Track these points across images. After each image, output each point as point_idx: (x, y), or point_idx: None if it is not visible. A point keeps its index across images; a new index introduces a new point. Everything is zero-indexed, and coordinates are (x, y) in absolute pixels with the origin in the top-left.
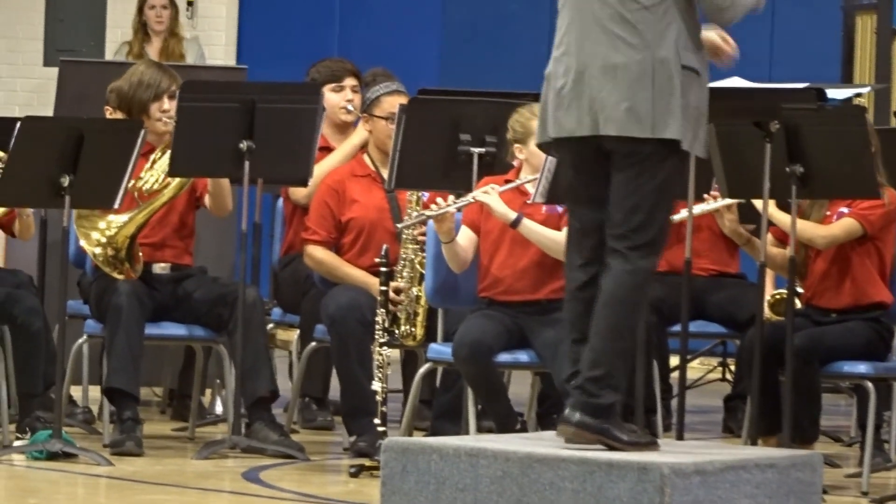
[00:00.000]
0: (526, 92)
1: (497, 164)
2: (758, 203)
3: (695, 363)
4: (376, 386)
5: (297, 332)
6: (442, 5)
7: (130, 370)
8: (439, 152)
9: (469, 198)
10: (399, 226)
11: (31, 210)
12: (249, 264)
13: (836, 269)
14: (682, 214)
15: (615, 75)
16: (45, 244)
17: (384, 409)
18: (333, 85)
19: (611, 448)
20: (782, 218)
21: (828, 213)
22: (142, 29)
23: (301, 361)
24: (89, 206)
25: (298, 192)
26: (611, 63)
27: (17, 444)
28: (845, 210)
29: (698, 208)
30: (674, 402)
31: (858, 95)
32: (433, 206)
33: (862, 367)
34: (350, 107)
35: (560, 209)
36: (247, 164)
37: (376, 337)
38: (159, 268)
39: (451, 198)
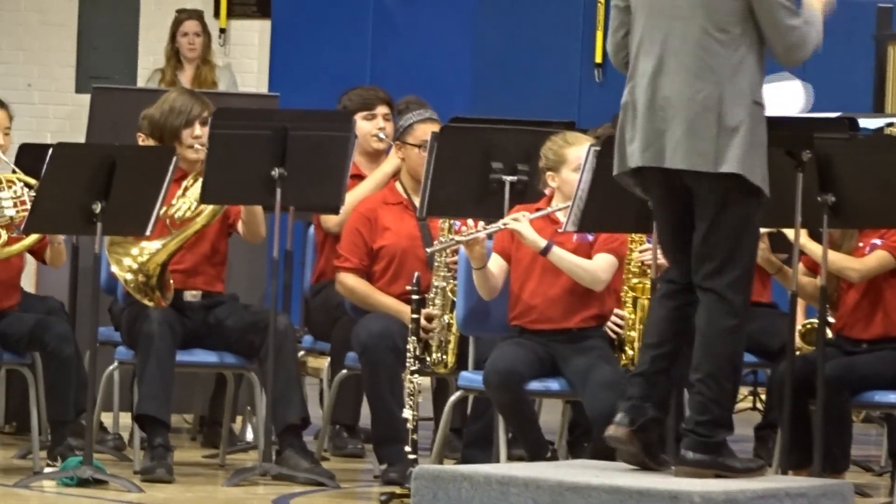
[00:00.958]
0: (558, 120)
1: (529, 193)
2: (789, 232)
3: None
4: (407, 414)
5: (328, 359)
6: (474, 33)
7: (161, 397)
8: (471, 180)
9: (499, 224)
10: (429, 250)
11: (63, 237)
12: (281, 292)
13: (867, 300)
14: None
15: (686, 107)
16: (77, 271)
17: (415, 436)
18: (365, 113)
19: (727, 477)
20: (814, 248)
21: (860, 244)
22: (174, 56)
23: (332, 389)
24: (121, 232)
25: (330, 220)
26: (680, 95)
27: (47, 470)
28: (878, 242)
29: None
30: None
31: (891, 125)
32: (463, 231)
33: (893, 397)
34: (381, 135)
35: (591, 238)
36: (278, 191)
37: (407, 365)
38: (191, 295)
39: (481, 223)
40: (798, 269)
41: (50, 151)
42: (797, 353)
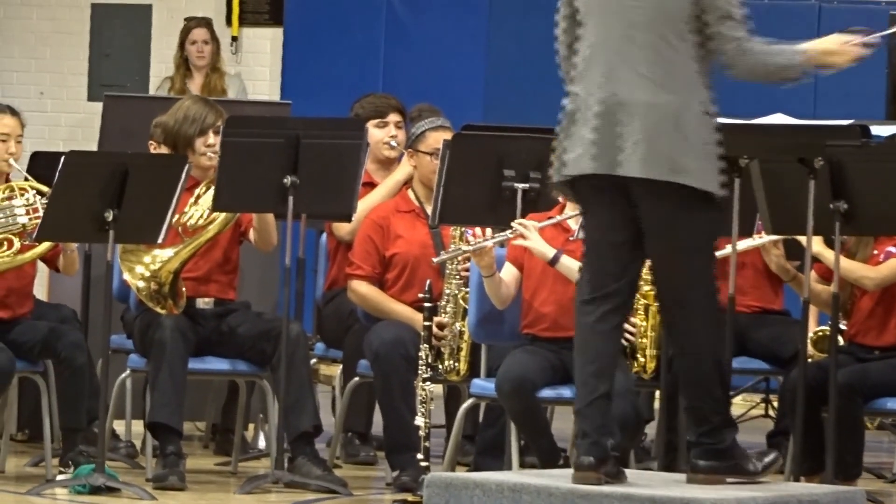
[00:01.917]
0: None
1: (541, 201)
2: (802, 239)
3: (738, 399)
4: (419, 421)
5: (341, 367)
6: (487, 41)
7: (174, 405)
8: (483, 188)
9: (507, 233)
10: (435, 260)
11: (76, 245)
12: (293, 299)
13: (882, 307)
14: (726, 251)
15: (640, 115)
16: (89, 279)
17: (427, 444)
18: (377, 121)
19: (742, 481)
20: (829, 256)
21: (875, 252)
22: (184, 64)
23: (344, 396)
24: (133, 240)
25: (342, 228)
26: (636, 103)
27: (60, 478)
28: (893, 249)
29: (744, 243)
30: None
31: None
32: (470, 240)
33: None
34: (393, 142)
35: None
36: (291, 199)
37: (420, 372)
38: (203, 302)
39: (489, 231)
40: (811, 277)
41: (62, 159)
42: (809, 360)
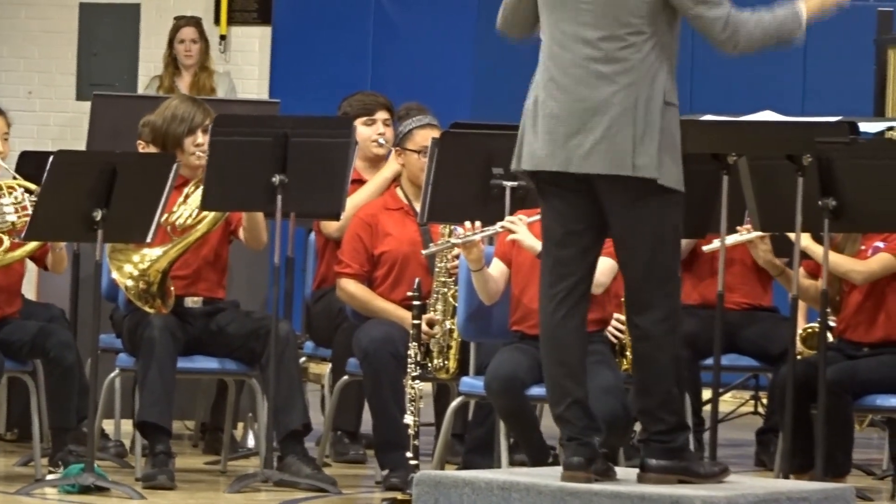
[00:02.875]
0: None
1: (530, 198)
2: (792, 236)
3: (727, 396)
4: (408, 419)
5: (330, 365)
6: (475, 39)
7: (163, 404)
8: (472, 186)
9: (496, 227)
10: (424, 252)
11: (64, 244)
12: (282, 298)
13: (870, 303)
14: (715, 246)
15: (599, 111)
16: (78, 278)
17: (416, 442)
18: (365, 118)
19: (691, 482)
20: (818, 251)
21: (862, 247)
22: (172, 63)
23: (333, 395)
24: (122, 240)
25: (331, 226)
26: (594, 99)
27: (49, 477)
28: (881, 245)
29: (732, 238)
30: (706, 436)
31: (891, 129)
32: (458, 233)
33: (895, 401)
34: (382, 140)
35: None
36: (279, 198)
37: (409, 370)
38: (192, 301)
39: (478, 224)
40: (799, 273)
41: (51, 159)
42: (799, 357)
